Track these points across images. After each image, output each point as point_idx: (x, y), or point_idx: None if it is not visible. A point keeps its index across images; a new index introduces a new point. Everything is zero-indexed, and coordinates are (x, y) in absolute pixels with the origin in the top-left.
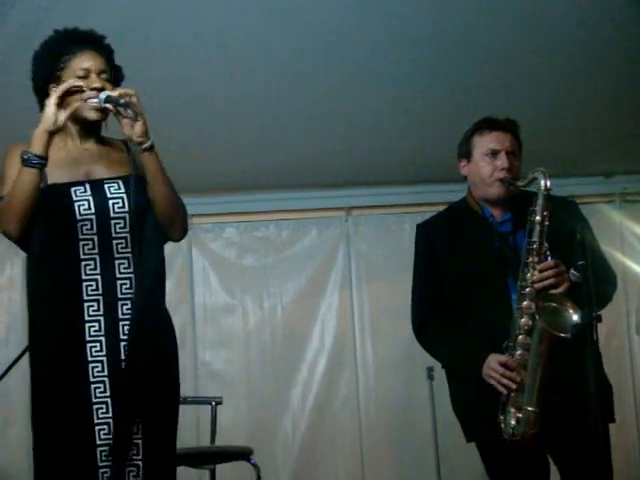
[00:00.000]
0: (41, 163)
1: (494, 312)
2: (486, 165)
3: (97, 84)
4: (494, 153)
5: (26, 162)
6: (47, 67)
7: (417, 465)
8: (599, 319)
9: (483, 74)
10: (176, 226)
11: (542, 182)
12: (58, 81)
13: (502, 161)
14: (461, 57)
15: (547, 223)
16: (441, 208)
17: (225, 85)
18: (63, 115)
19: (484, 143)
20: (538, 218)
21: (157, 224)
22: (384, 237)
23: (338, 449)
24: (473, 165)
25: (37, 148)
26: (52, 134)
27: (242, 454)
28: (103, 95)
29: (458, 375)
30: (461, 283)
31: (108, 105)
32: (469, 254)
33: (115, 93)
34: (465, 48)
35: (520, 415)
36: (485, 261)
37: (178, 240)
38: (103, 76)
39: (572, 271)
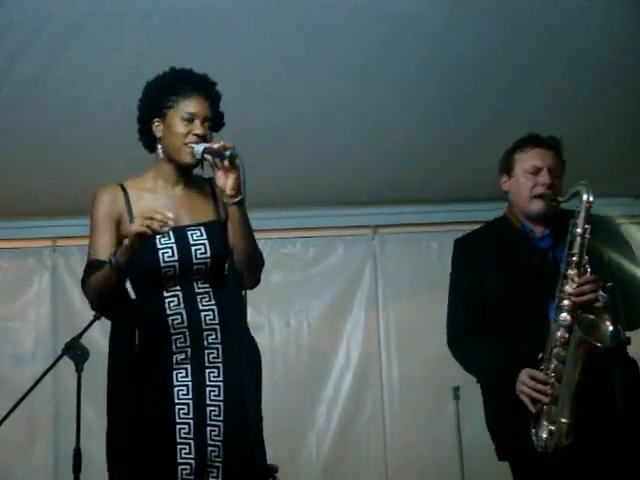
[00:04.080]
0: (118, 269)
1: (530, 329)
2: (527, 181)
3: (199, 131)
4: (536, 170)
5: (111, 266)
6: (155, 101)
7: None
8: (628, 342)
9: (512, 95)
10: (250, 277)
11: (584, 195)
12: (164, 117)
13: (544, 177)
14: (491, 78)
15: (587, 236)
16: (468, 227)
17: (254, 105)
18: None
19: (526, 160)
20: (579, 230)
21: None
22: (411, 255)
23: (363, 467)
24: (514, 181)
25: (123, 257)
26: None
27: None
28: (201, 147)
29: (493, 391)
30: (499, 299)
31: (207, 156)
32: (508, 270)
33: (215, 146)
34: (494, 70)
35: (553, 428)
36: (524, 277)
37: (249, 289)
38: (207, 124)
39: (600, 292)
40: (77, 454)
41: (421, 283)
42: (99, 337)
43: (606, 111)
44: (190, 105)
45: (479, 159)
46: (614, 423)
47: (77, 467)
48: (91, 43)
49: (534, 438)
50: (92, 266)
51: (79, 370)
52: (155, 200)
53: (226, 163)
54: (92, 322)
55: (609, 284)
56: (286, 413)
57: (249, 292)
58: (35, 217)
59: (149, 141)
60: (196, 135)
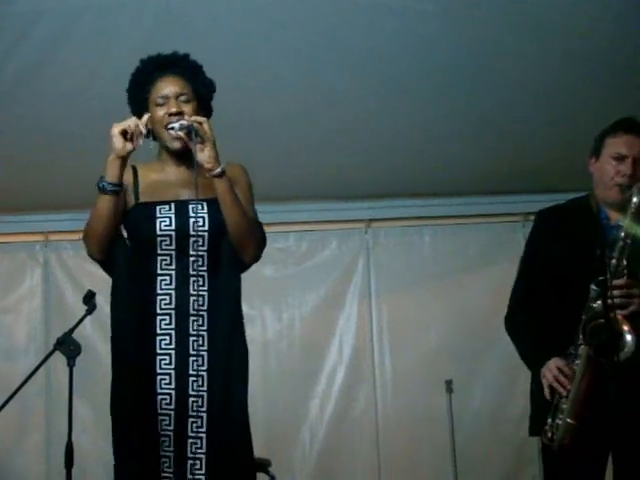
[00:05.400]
0: (115, 190)
1: (577, 317)
2: (611, 168)
3: (173, 109)
4: (621, 157)
5: (101, 190)
6: (137, 96)
7: (434, 478)
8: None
9: (508, 90)
10: (246, 251)
11: (635, 198)
12: (148, 109)
13: (627, 167)
14: (486, 74)
15: (629, 241)
16: (461, 221)
17: (248, 98)
18: (130, 145)
19: (613, 145)
20: (622, 234)
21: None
22: (404, 249)
23: (356, 461)
24: (599, 165)
25: (110, 175)
26: (124, 159)
27: (260, 466)
28: (177, 124)
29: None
30: (554, 280)
31: (180, 133)
32: (572, 252)
33: (186, 121)
34: (490, 65)
35: (560, 423)
36: (585, 262)
37: (248, 264)
38: (182, 98)
39: (592, 286)
40: (69, 449)
41: (414, 277)
42: (91, 332)
43: (601, 109)
44: (160, 89)
45: (472, 154)
46: (611, 420)
47: (69, 462)
48: (86, 36)
49: (546, 428)
50: None
51: (71, 365)
52: (160, 175)
53: (198, 138)
54: (84, 317)
55: (600, 278)
56: (279, 407)
57: (242, 286)
58: (27, 212)
59: (148, 134)
60: (171, 114)
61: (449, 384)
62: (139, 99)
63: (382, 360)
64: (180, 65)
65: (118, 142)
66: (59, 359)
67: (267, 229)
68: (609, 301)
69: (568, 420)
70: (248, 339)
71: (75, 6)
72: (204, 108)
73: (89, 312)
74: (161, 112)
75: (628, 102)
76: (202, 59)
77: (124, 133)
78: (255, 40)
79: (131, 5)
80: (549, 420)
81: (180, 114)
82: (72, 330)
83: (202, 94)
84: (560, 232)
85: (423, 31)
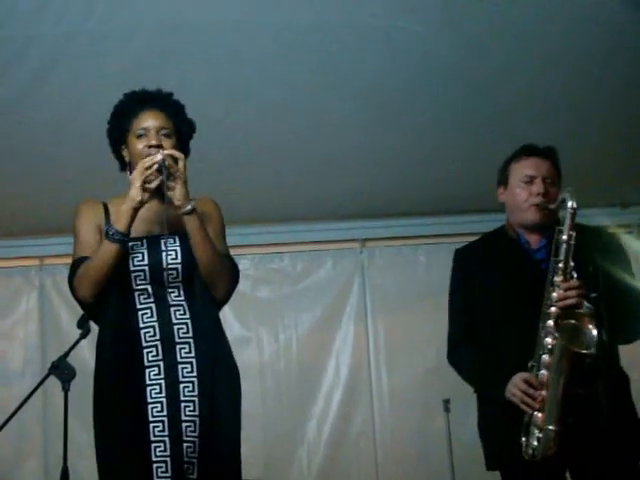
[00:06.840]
0: (123, 240)
1: (523, 340)
2: (522, 191)
3: (153, 141)
4: (530, 179)
5: (110, 237)
6: (117, 127)
7: None
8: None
9: (499, 106)
10: (217, 288)
11: (569, 202)
12: (126, 142)
13: (538, 187)
14: (477, 90)
15: (573, 243)
16: (455, 240)
17: (240, 119)
18: (146, 195)
19: (520, 169)
20: (564, 237)
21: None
22: (399, 268)
23: None
24: (509, 192)
25: (121, 225)
26: (136, 211)
27: None
28: (159, 156)
29: (486, 398)
30: (492, 309)
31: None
32: (501, 280)
33: (159, 157)
34: (481, 88)
35: (541, 435)
36: (517, 289)
37: (221, 302)
38: (162, 132)
39: (585, 303)
40: (64, 473)
41: (409, 296)
42: (88, 355)
43: (592, 121)
44: (141, 122)
45: (466, 172)
46: (597, 435)
47: None
48: (75, 63)
49: (523, 446)
50: (79, 261)
51: (66, 389)
52: None
53: (170, 175)
54: (78, 341)
55: (593, 295)
56: (276, 428)
57: (238, 307)
58: (22, 236)
59: (124, 167)
60: (151, 146)
61: (446, 403)
62: (120, 131)
63: (379, 380)
64: (163, 101)
65: (138, 193)
66: (56, 383)
67: (262, 250)
68: (564, 302)
69: (550, 427)
70: (244, 360)
71: (64, 32)
72: (182, 147)
73: (83, 336)
74: (140, 145)
75: (627, 119)
76: (191, 86)
77: (144, 185)
78: (245, 66)
79: (120, 32)
80: (523, 439)
81: (160, 147)
82: (66, 354)
83: (183, 132)
84: (483, 265)
85: (413, 53)
